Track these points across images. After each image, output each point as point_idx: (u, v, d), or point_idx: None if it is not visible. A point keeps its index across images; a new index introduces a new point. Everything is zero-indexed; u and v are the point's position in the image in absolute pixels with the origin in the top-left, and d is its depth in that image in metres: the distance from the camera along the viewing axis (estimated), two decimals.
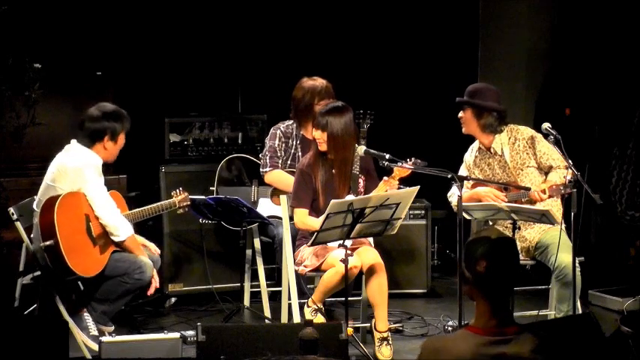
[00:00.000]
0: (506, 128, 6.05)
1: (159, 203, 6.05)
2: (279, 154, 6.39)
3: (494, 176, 6.06)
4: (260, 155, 6.50)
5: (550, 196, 5.80)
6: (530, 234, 6.00)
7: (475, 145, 6.16)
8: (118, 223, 5.70)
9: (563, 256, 5.67)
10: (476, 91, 6.06)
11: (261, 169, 6.42)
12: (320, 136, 5.85)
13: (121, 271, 5.70)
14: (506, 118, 6.05)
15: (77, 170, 5.66)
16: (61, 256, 5.52)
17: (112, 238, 5.69)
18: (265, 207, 6.48)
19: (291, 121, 6.47)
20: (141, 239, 5.98)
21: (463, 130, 6.09)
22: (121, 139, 5.84)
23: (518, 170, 6.01)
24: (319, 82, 6.39)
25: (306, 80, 6.40)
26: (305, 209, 5.85)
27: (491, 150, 6.05)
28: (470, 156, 6.17)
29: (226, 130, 7.27)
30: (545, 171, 6.04)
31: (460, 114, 6.06)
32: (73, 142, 5.77)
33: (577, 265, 5.66)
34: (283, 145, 6.41)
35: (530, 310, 6.13)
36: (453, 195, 5.93)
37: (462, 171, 6.15)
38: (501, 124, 6.03)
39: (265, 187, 6.49)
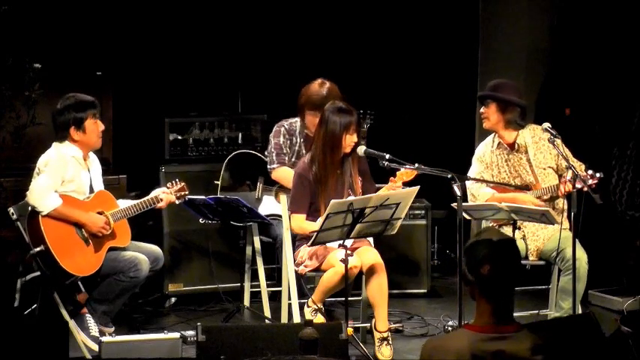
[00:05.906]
0: (527, 126, 6.03)
1: (148, 197, 5.90)
2: (284, 151, 6.37)
3: (512, 173, 6.02)
4: (265, 152, 6.49)
5: (574, 187, 5.73)
6: (544, 232, 5.99)
7: (490, 141, 6.11)
8: (37, 197, 5.55)
9: (576, 250, 5.68)
10: (499, 86, 6.03)
11: (268, 166, 6.41)
12: (356, 139, 5.84)
13: (117, 270, 5.69)
14: (526, 115, 6.03)
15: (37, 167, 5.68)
16: (53, 259, 5.52)
17: (38, 212, 5.56)
18: (269, 205, 6.48)
19: (294, 119, 6.42)
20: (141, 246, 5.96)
21: (485, 125, 6.03)
22: (91, 126, 5.72)
23: (540, 170, 5.99)
24: (327, 85, 6.29)
25: (320, 82, 6.32)
26: (302, 215, 5.85)
27: (516, 145, 6.00)
28: (484, 151, 6.11)
29: (226, 130, 7.26)
30: (560, 173, 6.01)
31: (482, 109, 6.02)
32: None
33: (586, 259, 5.73)
34: (287, 142, 6.38)
35: (530, 310, 6.14)
36: (481, 194, 5.92)
37: (477, 166, 6.08)
38: (523, 119, 6.02)
39: (270, 185, 6.49)
